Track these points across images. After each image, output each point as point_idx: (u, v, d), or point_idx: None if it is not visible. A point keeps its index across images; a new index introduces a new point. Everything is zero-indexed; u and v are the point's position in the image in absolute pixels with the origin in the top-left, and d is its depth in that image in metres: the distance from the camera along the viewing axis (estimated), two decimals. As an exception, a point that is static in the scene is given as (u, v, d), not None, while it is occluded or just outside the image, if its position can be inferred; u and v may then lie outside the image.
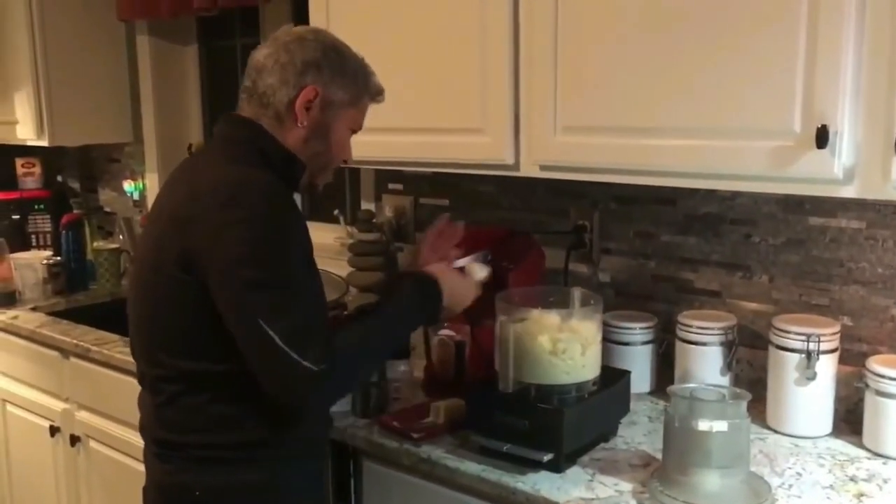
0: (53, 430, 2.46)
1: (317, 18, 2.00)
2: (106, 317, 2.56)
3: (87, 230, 3.06)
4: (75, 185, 3.44)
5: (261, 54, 1.41)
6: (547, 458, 1.43)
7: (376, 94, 1.51)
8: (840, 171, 1.30)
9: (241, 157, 1.37)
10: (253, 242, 1.26)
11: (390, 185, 2.44)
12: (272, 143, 1.39)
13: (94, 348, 2.29)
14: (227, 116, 1.45)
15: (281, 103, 1.38)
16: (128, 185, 3.14)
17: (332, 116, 1.42)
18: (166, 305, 1.35)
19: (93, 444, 2.38)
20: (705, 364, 1.71)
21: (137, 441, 1.54)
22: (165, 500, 1.44)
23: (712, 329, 1.71)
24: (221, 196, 1.28)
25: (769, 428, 1.63)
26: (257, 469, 1.38)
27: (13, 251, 2.88)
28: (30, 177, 3.25)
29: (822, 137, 1.28)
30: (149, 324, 1.40)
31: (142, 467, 1.51)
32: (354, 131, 1.49)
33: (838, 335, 1.58)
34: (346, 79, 1.43)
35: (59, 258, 2.89)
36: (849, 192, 1.32)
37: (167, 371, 1.38)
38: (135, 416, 1.51)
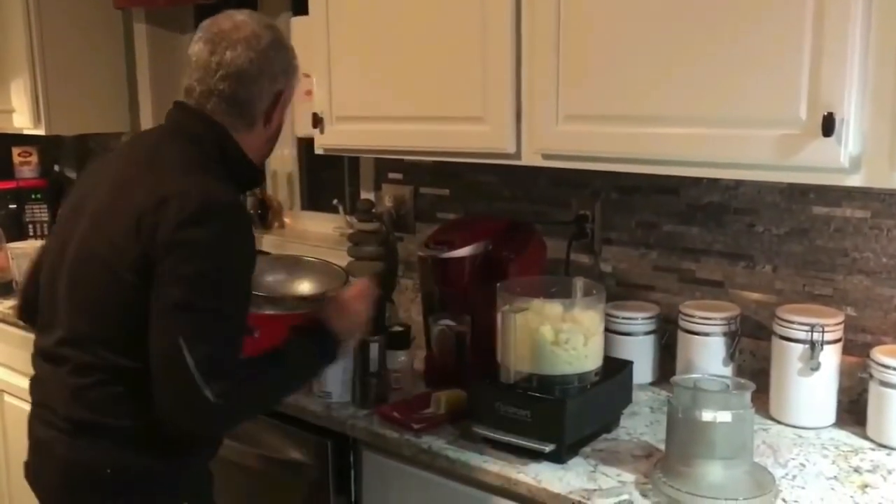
0: (52, 421, 2.45)
1: (316, 6, 1.98)
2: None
3: (85, 220, 3.04)
4: (72, 175, 3.42)
5: (239, 59, 1.39)
6: (549, 448, 1.42)
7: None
8: (846, 160, 1.29)
9: (203, 162, 1.39)
10: (200, 265, 1.29)
11: (390, 175, 2.43)
12: (236, 150, 1.43)
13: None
14: (188, 110, 1.43)
15: (259, 111, 1.43)
16: (125, 175, 3.12)
17: (284, 112, 1.50)
18: (115, 305, 1.35)
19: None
20: (708, 354, 1.70)
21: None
22: (72, 477, 1.43)
23: (715, 319, 1.70)
24: (187, 212, 1.29)
25: (772, 419, 1.62)
26: (165, 455, 1.41)
27: (10, 241, 2.86)
28: (26, 166, 3.24)
29: (828, 126, 1.27)
30: (90, 315, 1.39)
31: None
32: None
33: (842, 325, 1.58)
34: (294, 74, 1.50)
35: (56, 248, 2.87)
36: (855, 180, 1.31)
37: (101, 361, 1.37)
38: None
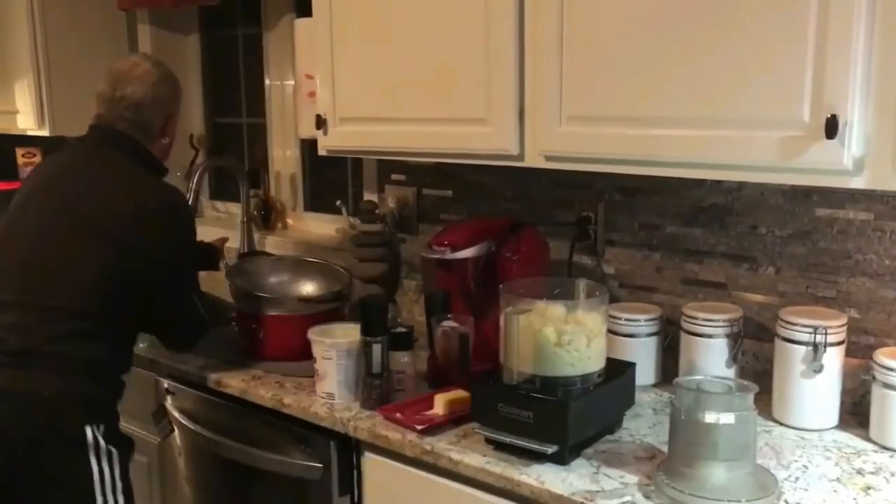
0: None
1: (320, 8, 1.98)
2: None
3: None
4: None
5: (137, 93, 1.85)
6: (551, 450, 1.42)
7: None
8: (849, 162, 1.29)
9: (143, 168, 1.86)
10: (183, 241, 1.87)
11: (393, 176, 2.43)
12: (151, 156, 1.90)
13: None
14: (109, 130, 1.86)
15: (156, 129, 1.90)
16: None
17: (175, 128, 1.97)
18: (89, 266, 1.72)
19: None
20: (710, 356, 1.70)
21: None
22: (11, 403, 1.67)
23: (718, 321, 1.70)
24: (167, 210, 1.82)
25: (775, 420, 1.62)
26: (98, 383, 1.74)
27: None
28: (30, 166, 3.24)
29: (831, 128, 1.27)
30: (67, 279, 1.72)
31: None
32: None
33: (845, 327, 1.57)
34: (179, 97, 1.97)
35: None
36: (858, 183, 1.31)
37: (54, 306, 1.70)
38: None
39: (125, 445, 1.80)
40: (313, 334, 1.79)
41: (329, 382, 1.76)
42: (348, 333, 1.78)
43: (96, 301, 1.72)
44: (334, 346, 1.74)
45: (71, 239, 1.74)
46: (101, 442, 1.72)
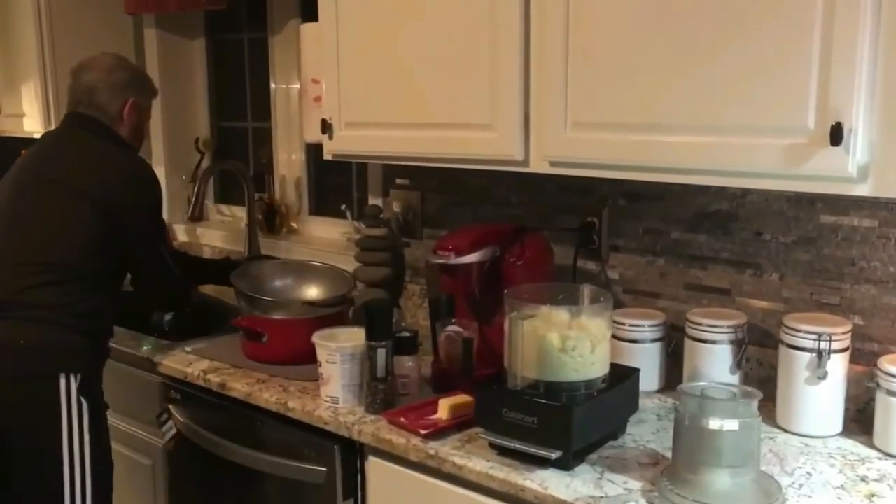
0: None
1: (326, 13, 1.99)
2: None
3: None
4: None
5: (91, 78, 2.04)
6: (555, 455, 1.42)
7: (154, 93, 2.20)
8: (854, 169, 1.29)
9: (110, 143, 2.01)
10: (153, 196, 2.03)
11: (398, 180, 2.44)
12: (115, 134, 2.04)
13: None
14: (74, 114, 2.05)
15: (113, 112, 2.03)
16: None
17: (142, 114, 2.11)
18: (68, 225, 1.89)
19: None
20: (714, 362, 1.70)
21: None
22: None
23: (722, 327, 1.70)
24: (130, 170, 2.00)
25: (779, 427, 1.62)
26: (77, 333, 1.86)
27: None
28: (36, 170, 3.25)
29: (836, 135, 1.27)
30: (45, 236, 1.89)
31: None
32: (148, 118, 2.18)
33: (849, 334, 1.57)
34: (147, 87, 2.15)
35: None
36: (863, 190, 1.31)
37: (32, 261, 1.86)
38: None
39: (97, 402, 1.91)
40: (318, 338, 1.79)
41: (333, 386, 1.76)
42: (353, 337, 1.78)
43: (71, 254, 1.87)
44: (339, 350, 1.75)
45: (44, 200, 1.92)
46: (73, 392, 1.84)
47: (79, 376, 1.85)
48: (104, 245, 1.91)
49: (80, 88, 2.04)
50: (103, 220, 1.90)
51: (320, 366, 1.78)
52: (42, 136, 2.17)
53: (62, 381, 1.83)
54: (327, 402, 1.77)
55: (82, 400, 1.85)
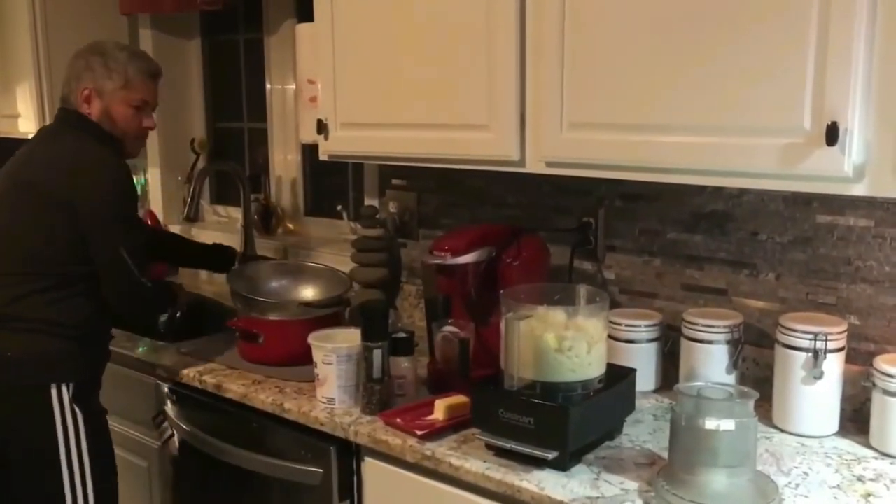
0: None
1: (321, 13, 1.99)
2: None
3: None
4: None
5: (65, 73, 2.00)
6: (552, 455, 1.42)
7: (148, 74, 2.03)
8: (850, 169, 1.29)
9: (87, 135, 1.92)
10: (117, 194, 1.87)
11: (394, 181, 2.43)
12: (97, 128, 1.94)
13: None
14: (60, 109, 1.99)
15: (74, 101, 1.94)
16: (130, 180, 3.13)
17: (108, 101, 1.94)
18: (41, 229, 1.84)
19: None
20: (711, 362, 1.70)
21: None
22: None
23: (718, 327, 1.70)
24: (91, 164, 1.87)
25: (775, 427, 1.62)
26: (65, 342, 1.83)
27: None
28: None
29: (832, 135, 1.27)
30: (24, 243, 1.84)
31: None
32: (139, 107, 1.99)
33: (845, 334, 1.57)
34: (110, 72, 1.95)
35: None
36: (859, 189, 1.31)
37: (16, 271, 1.83)
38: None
39: (93, 409, 1.88)
40: (314, 339, 1.79)
41: (329, 387, 1.76)
42: (349, 338, 1.78)
43: (51, 259, 1.83)
44: (335, 350, 1.75)
45: (19, 204, 1.87)
46: (66, 401, 1.82)
47: (72, 385, 1.83)
48: (80, 246, 1.83)
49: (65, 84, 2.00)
50: (69, 220, 1.82)
51: (316, 367, 1.78)
52: (34, 135, 2.12)
53: (53, 392, 1.81)
54: (323, 403, 1.77)
55: (76, 408, 1.83)
